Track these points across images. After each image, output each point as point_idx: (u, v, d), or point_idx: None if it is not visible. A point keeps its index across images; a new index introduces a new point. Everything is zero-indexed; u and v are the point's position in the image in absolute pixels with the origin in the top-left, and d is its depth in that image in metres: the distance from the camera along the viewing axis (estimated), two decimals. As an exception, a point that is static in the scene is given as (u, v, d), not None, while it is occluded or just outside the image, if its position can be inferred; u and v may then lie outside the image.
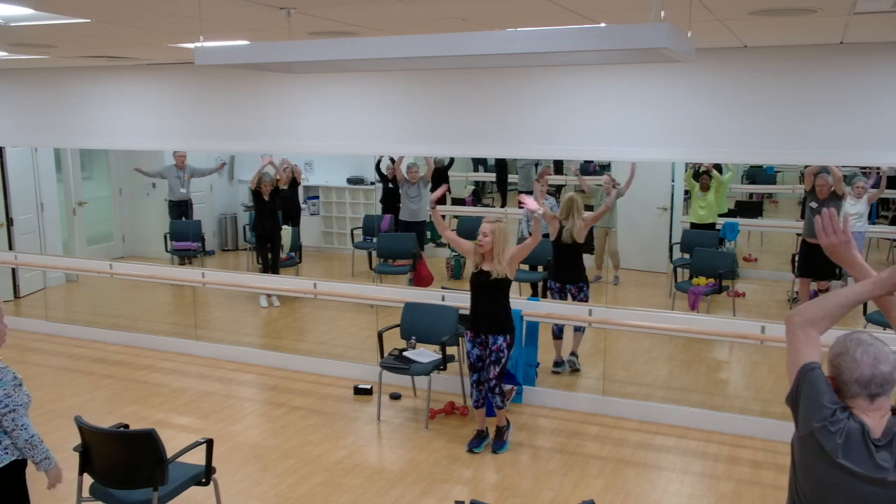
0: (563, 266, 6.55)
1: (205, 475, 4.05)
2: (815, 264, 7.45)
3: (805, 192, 7.77)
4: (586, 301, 6.48)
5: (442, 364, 5.78)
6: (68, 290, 9.47)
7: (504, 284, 5.17)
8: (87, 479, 3.95)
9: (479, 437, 5.41)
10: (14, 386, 3.29)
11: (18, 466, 3.40)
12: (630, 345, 7.25)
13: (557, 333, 6.69)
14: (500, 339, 5.20)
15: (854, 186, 8.36)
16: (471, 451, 5.31)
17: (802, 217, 7.59)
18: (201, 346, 7.48)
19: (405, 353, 5.94)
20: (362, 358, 6.88)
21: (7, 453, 3.33)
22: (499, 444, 5.34)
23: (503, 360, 5.23)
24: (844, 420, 2.12)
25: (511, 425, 5.49)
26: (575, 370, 6.66)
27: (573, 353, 6.71)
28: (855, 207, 7.72)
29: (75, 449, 3.90)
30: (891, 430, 2.13)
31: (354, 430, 5.72)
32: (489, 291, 5.19)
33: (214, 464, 4.12)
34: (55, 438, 5.34)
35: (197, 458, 4.03)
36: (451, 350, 5.92)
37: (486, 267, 5.20)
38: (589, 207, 7.58)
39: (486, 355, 5.27)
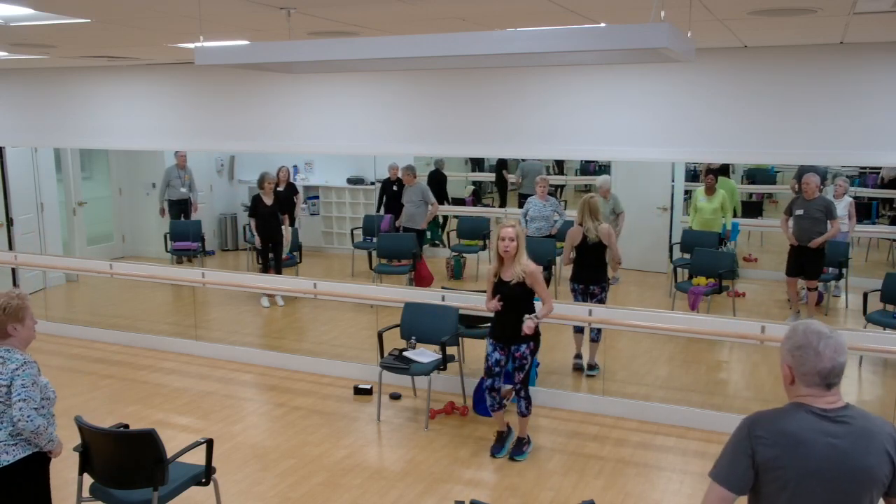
0: (587, 267, 6.42)
1: (205, 475, 4.05)
2: (804, 265, 7.46)
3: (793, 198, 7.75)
4: (604, 301, 6.45)
5: (442, 364, 5.77)
6: (68, 290, 9.48)
7: (528, 294, 5.06)
8: (87, 479, 3.95)
9: (501, 441, 5.33)
10: (31, 382, 3.36)
11: (40, 460, 3.44)
12: (630, 345, 7.25)
13: (579, 328, 6.57)
14: (524, 347, 5.11)
15: (835, 185, 8.36)
16: (494, 456, 5.24)
17: (788, 214, 7.59)
18: (201, 346, 7.48)
19: (405, 353, 5.94)
20: (362, 358, 6.88)
21: (31, 445, 3.37)
22: (518, 451, 5.26)
23: (527, 367, 5.14)
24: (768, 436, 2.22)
25: (532, 444, 5.39)
26: (592, 376, 6.64)
27: (592, 366, 6.64)
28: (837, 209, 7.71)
29: (75, 449, 3.90)
30: (843, 409, 2.22)
31: (354, 430, 5.72)
32: (514, 303, 5.06)
33: (214, 464, 4.12)
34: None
35: (197, 458, 4.03)
36: (451, 350, 5.92)
37: (506, 276, 5.06)
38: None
39: (504, 361, 5.20)
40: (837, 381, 2.22)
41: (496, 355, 5.20)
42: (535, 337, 5.16)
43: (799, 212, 7.41)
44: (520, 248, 5.03)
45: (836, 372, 2.20)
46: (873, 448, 2.17)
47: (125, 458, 3.82)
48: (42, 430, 3.38)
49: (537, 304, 5.15)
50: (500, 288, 5.09)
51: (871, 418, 2.24)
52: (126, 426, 4.13)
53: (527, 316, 5.03)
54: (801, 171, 7.93)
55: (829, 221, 7.32)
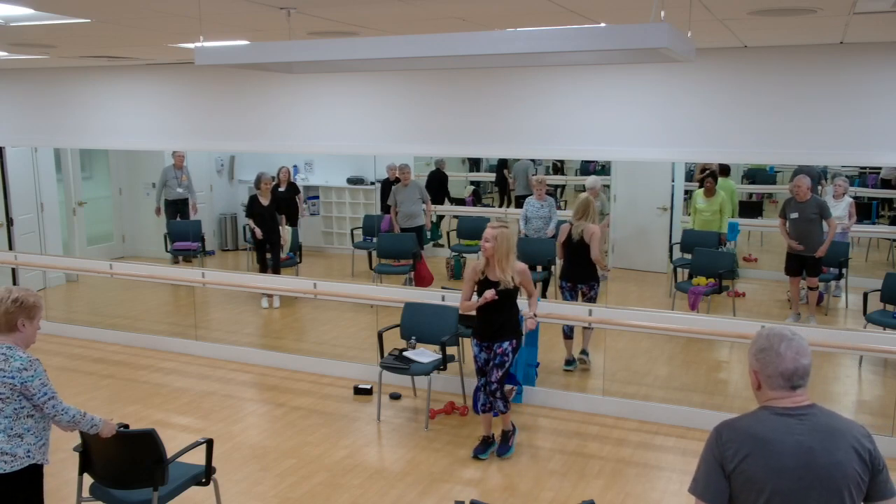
0: (574, 265, 6.48)
1: (205, 475, 4.05)
2: (803, 265, 7.46)
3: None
4: (595, 300, 6.47)
5: (442, 364, 5.77)
6: (68, 290, 9.47)
7: (512, 294, 5.09)
8: (87, 480, 3.95)
9: (486, 444, 5.31)
10: (46, 377, 3.44)
11: (36, 470, 3.43)
12: (630, 345, 7.25)
13: (568, 333, 6.65)
14: (506, 344, 5.12)
15: (835, 185, 8.34)
16: (476, 457, 5.24)
17: (783, 217, 7.57)
18: (201, 346, 7.48)
19: (405, 353, 5.94)
20: (362, 358, 6.88)
21: (29, 456, 3.36)
22: (504, 448, 5.28)
23: (507, 365, 5.15)
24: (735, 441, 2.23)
25: (517, 430, 5.44)
26: (585, 366, 6.65)
27: (584, 351, 6.69)
28: (835, 210, 7.70)
29: (75, 449, 3.91)
30: (807, 407, 2.24)
31: (354, 430, 5.72)
32: (503, 303, 5.07)
33: (214, 464, 4.12)
34: (54, 438, 5.32)
35: (197, 458, 4.03)
36: (451, 350, 5.92)
37: (490, 275, 5.06)
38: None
39: (492, 358, 5.22)
40: (803, 382, 2.24)
41: (483, 355, 5.21)
42: (517, 335, 5.19)
43: (793, 215, 7.40)
44: (509, 251, 5.04)
45: (799, 373, 2.22)
46: (841, 445, 2.18)
47: (125, 458, 3.82)
48: (79, 418, 3.51)
49: (521, 303, 5.22)
50: (487, 287, 5.07)
51: (837, 417, 2.26)
52: (126, 426, 4.12)
53: (527, 314, 5.11)
54: (796, 173, 7.93)
55: (824, 221, 7.31)
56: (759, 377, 2.27)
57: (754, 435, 2.21)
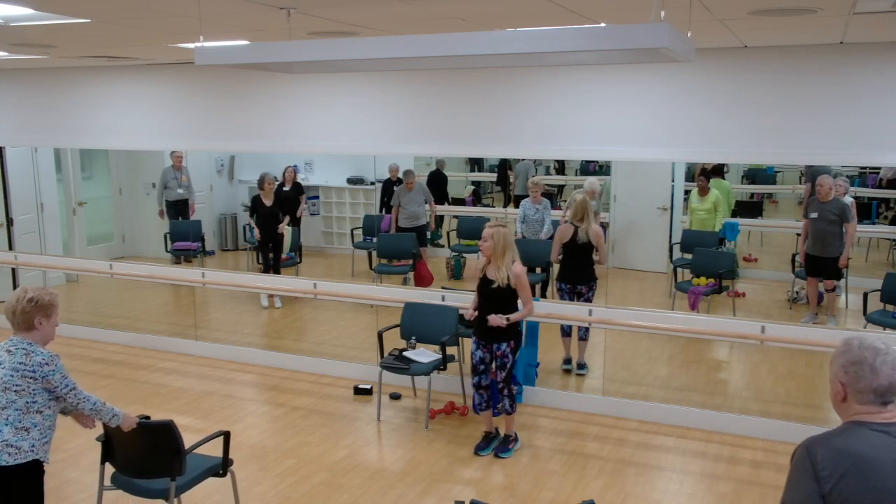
0: (575, 267, 6.47)
1: (222, 467, 4.11)
2: (820, 268, 7.42)
3: (805, 200, 7.66)
4: (591, 300, 6.47)
5: (442, 364, 5.77)
6: (68, 290, 9.47)
7: (509, 294, 5.12)
8: (108, 469, 4.01)
9: (487, 440, 5.37)
10: (65, 371, 3.52)
11: (38, 466, 3.45)
12: (630, 345, 7.25)
13: (567, 330, 6.65)
14: (504, 345, 5.17)
15: (835, 185, 8.32)
16: (477, 453, 5.28)
17: (805, 216, 7.51)
18: (201, 346, 7.48)
19: (405, 353, 5.94)
20: (362, 358, 6.88)
21: (33, 451, 3.37)
22: (503, 449, 5.30)
23: (509, 365, 5.20)
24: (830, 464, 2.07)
25: (519, 441, 5.43)
26: (582, 374, 6.66)
27: (581, 365, 6.68)
28: None
29: (98, 439, 3.97)
30: None
31: (354, 430, 5.72)
32: (494, 301, 5.13)
33: (214, 463, 4.13)
34: (56, 437, 5.33)
35: (210, 452, 4.05)
36: (450, 350, 5.92)
37: (489, 273, 5.13)
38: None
39: (489, 358, 5.25)
40: (894, 398, 2.13)
41: (479, 353, 5.28)
42: (515, 335, 5.22)
43: (813, 214, 7.34)
44: (506, 249, 5.07)
45: (893, 389, 2.11)
46: None
47: (144, 448, 3.89)
48: (100, 406, 3.60)
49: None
50: (485, 285, 5.14)
51: None
52: (147, 417, 4.13)
53: (500, 316, 5.09)
54: (814, 172, 7.88)
55: (843, 225, 7.25)
56: (846, 390, 2.15)
57: (850, 453, 2.06)
